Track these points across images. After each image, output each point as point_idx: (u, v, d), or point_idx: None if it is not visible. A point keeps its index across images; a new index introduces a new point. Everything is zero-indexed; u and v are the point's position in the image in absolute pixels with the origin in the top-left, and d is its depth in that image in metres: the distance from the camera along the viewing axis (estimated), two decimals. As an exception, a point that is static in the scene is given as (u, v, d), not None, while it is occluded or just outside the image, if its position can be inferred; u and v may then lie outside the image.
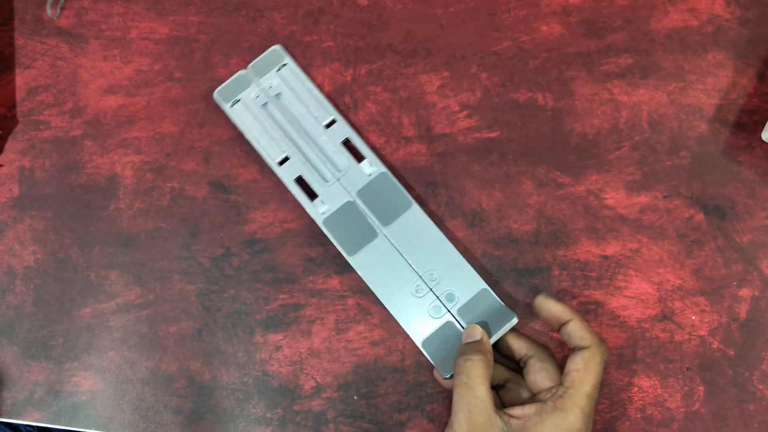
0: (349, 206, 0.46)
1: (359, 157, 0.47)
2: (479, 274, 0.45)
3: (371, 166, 0.46)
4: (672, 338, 0.47)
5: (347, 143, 0.47)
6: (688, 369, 0.46)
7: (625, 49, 0.50)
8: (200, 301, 0.48)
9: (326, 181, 0.46)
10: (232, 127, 0.50)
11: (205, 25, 0.51)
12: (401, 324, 0.45)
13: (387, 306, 0.45)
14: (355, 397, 0.47)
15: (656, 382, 0.46)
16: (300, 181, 0.47)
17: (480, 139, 0.49)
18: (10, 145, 0.51)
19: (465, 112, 0.50)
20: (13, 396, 0.47)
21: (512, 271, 0.47)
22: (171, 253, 0.49)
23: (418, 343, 0.44)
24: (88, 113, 0.51)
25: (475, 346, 0.41)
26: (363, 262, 0.45)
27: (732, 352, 0.46)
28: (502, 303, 0.44)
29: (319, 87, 0.50)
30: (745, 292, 0.47)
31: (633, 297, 0.47)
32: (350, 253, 0.45)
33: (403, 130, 0.50)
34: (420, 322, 0.44)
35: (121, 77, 0.51)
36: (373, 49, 0.50)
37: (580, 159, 0.49)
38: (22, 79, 0.51)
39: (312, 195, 0.46)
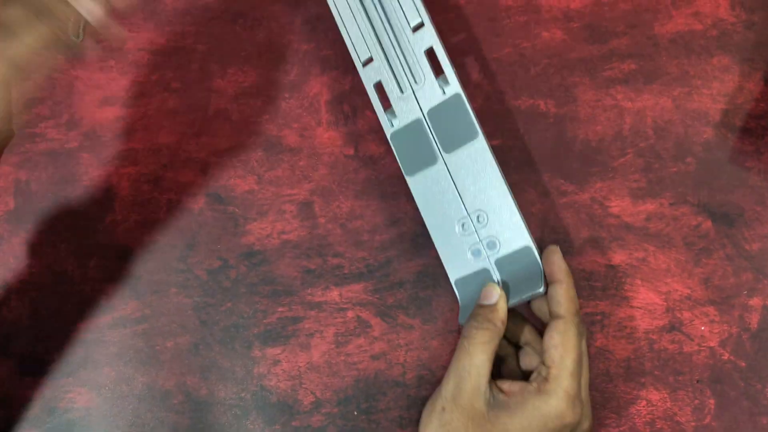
0: (418, 124, 0.44)
1: (438, 72, 0.44)
2: (531, 233, 0.42)
3: (448, 84, 0.43)
4: (681, 350, 0.45)
5: (430, 54, 0.44)
6: (698, 381, 0.45)
7: (629, 54, 0.49)
8: (197, 315, 0.47)
9: (402, 92, 0.44)
10: (230, 136, 0.49)
11: (203, 34, 0.51)
12: (441, 256, 0.43)
13: (432, 235, 0.43)
14: (356, 413, 0.45)
15: (665, 395, 0.45)
16: (378, 89, 0.45)
17: (481, 147, 0.48)
18: (5, 158, 0.50)
19: (466, 120, 0.49)
20: (8, 412, 0.47)
21: (515, 281, 0.46)
22: (167, 266, 0.48)
23: (452, 280, 0.43)
24: (84, 125, 0.50)
25: (487, 314, 0.39)
26: (419, 186, 0.43)
27: (743, 364, 0.45)
28: (541, 267, 0.41)
29: (317, 95, 0.50)
30: (755, 302, 0.46)
31: (640, 307, 0.46)
32: (409, 173, 0.44)
33: (403, 139, 0.49)
34: (458, 260, 0.43)
35: (118, 88, 0.51)
36: (371, 57, 0.50)
37: (584, 166, 0.48)
38: (17, 91, 0.51)
39: (385, 104, 0.45)
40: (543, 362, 0.38)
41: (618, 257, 0.47)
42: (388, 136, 0.44)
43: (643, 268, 0.46)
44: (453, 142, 0.43)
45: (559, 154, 0.48)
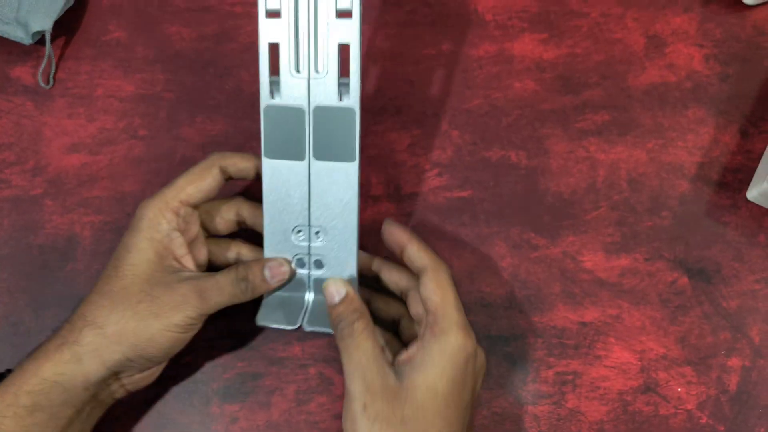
0: (299, 113, 0.40)
1: (344, 72, 0.39)
2: (358, 269, 0.41)
3: (348, 93, 0.39)
4: (656, 412, 0.43)
5: (344, 51, 0.39)
6: (674, 446, 0.43)
7: (602, 106, 0.48)
8: (155, 369, 0.45)
9: (297, 71, 0.39)
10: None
11: (172, 82, 0.50)
12: (265, 249, 0.41)
13: (265, 229, 0.41)
14: (315, 475, 0.43)
15: (640, 461, 0.43)
16: (272, 51, 0.40)
17: (451, 198, 0.47)
18: (-31, 204, 0.49)
19: (435, 171, 0.48)
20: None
21: (485, 338, 0.45)
22: (127, 318, 0.46)
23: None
24: (50, 172, 0.49)
25: (351, 307, 0.38)
26: (273, 171, 0.41)
27: (722, 428, 0.43)
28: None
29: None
30: (734, 362, 0.44)
31: (614, 367, 0.44)
32: (267, 155, 0.41)
33: (372, 189, 0.48)
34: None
35: (85, 135, 0.50)
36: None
37: (556, 219, 0.47)
38: (-15, 137, 0.50)
39: (273, 71, 0.40)
40: (426, 311, 0.38)
41: (591, 314, 0.45)
42: (262, 106, 0.40)
43: (617, 326, 0.45)
44: (327, 152, 0.40)
45: (531, 206, 0.47)
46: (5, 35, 0.50)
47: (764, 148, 0.47)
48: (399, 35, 0.49)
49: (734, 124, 0.48)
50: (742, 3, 0.49)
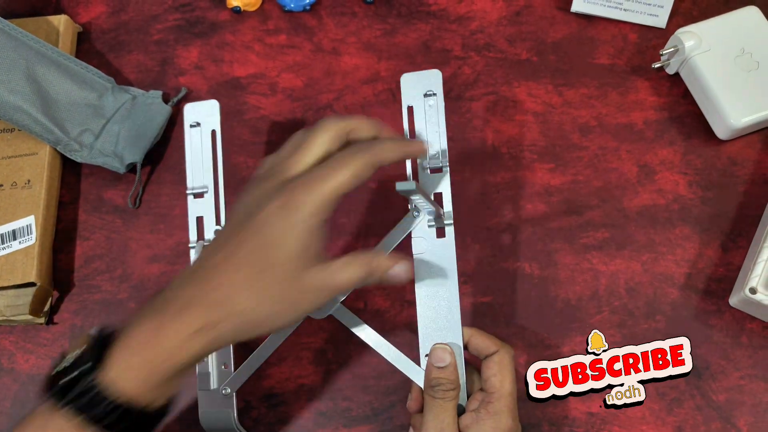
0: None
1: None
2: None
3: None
4: (658, 494, 0.49)
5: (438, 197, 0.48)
6: None
7: (602, 224, 0.57)
8: (221, 451, 0.52)
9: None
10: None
11: (239, 203, 0.60)
12: (198, 390, 0.49)
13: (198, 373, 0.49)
14: None
15: None
16: (198, 222, 0.51)
17: (475, 303, 0.55)
18: (65, 305, 0.58)
19: (462, 279, 0.56)
20: None
21: (506, 426, 0.52)
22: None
23: (201, 410, 0.49)
24: (134, 279, 0.59)
25: (452, 376, 0.44)
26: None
27: None
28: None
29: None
30: (725, 450, 0.50)
31: (619, 453, 0.51)
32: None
33: (407, 295, 0.56)
34: (211, 396, 0.49)
35: (165, 248, 0.59)
36: (380, 224, 0.58)
37: (565, 322, 0.54)
38: (81, 249, 0.60)
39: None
40: (484, 389, 0.44)
41: (597, 405, 0.52)
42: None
43: (620, 416, 0.52)
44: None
45: (543, 311, 0.55)
46: (104, 165, 0.60)
47: (742, 261, 0.55)
48: (429, 165, 0.59)
49: (716, 240, 0.56)
50: (717, 138, 0.58)
